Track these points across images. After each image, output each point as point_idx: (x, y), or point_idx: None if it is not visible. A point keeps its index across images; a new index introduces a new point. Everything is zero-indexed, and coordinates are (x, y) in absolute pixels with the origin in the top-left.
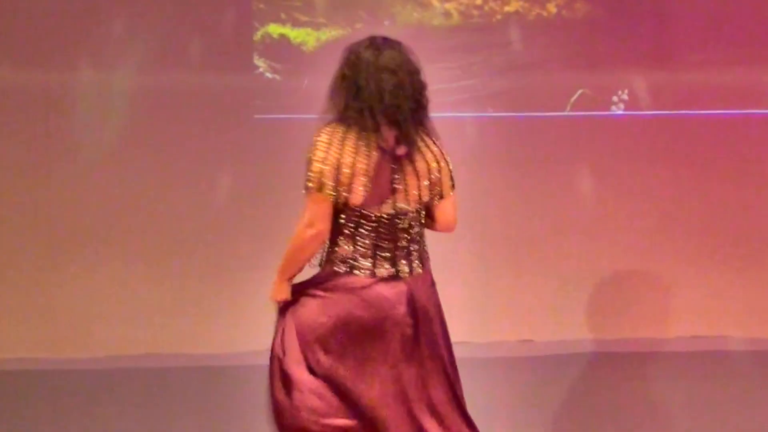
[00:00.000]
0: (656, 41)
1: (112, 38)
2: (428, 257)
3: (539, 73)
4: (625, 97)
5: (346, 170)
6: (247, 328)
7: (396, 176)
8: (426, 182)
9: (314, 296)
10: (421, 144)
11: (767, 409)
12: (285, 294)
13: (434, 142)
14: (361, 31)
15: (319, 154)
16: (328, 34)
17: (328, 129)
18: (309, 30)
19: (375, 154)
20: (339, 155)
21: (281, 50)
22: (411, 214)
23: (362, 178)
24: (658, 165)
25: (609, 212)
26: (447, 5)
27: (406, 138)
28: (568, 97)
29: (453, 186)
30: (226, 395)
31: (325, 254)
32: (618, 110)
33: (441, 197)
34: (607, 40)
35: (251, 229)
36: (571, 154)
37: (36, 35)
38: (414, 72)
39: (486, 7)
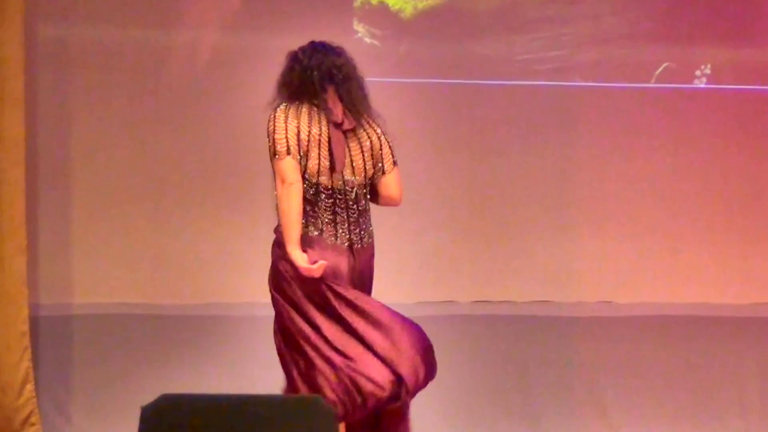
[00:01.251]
0: (740, 17)
1: (216, 1)
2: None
3: (625, 46)
4: (708, 71)
5: (304, 137)
6: None
7: (346, 149)
8: (369, 157)
9: None
10: (364, 122)
11: None
12: (302, 259)
13: (376, 123)
14: (457, 0)
15: (280, 125)
16: (425, 2)
17: (281, 107)
18: None
19: (326, 126)
20: (297, 124)
21: (380, 17)
22: (357, 187)
23: (317, 147)
24: (737, 138)
25: (688, 183)
26: None
27: (353, 112)
28: (653, 70)
29: (395, 163)
30: None
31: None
32: (700, 84)
33: (383, 172)
34: (692, 15)
35: None
36: (654, 124)
37: None
38: (356, 66)
39: None
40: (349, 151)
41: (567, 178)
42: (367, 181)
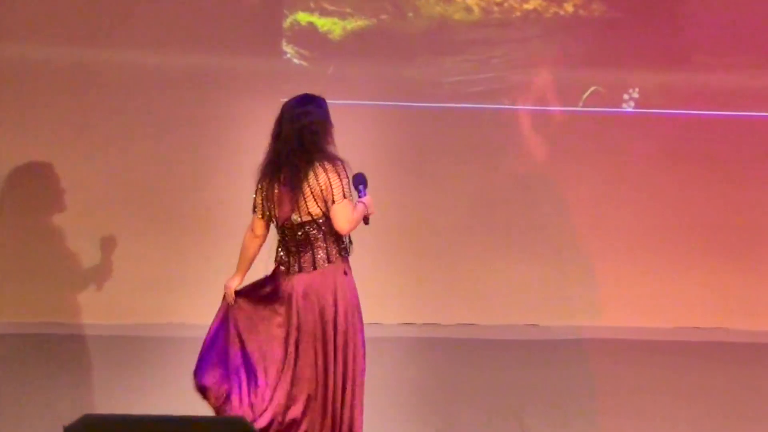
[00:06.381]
0: (669, 42)
1: (147, 21)
2: (338, 253)
3: (554, 69)
4: (636, 95)
5: (266, 196)
6: None
7: (292, 199)
8: (320, 198)
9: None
10: (310, 173)
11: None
12: (233, 282)
13: (328, 166)
14: (386, 21)
15: (257, 186)
16: (353, 23)
17: (259, 171)
18: (335, 19)
19: (277, 187)
20: (262, 186)
21: (309, 38)
22: (305, 224)
23: (271, 203)
24: (664, 162)
25: (616, 207)
26: (469, 1)
27: (295, 177)
28: (581, 93)
29: (344, 196)
30: None
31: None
32: (628, 108)
33: (333, 202)
34: (621, 39)
35: None
36: (583, 148)
37: (84, 14)
38: (306, 124)
39: (506, 4)
40: (297, 200)
41: (492, 200)
42: (314, 217)
